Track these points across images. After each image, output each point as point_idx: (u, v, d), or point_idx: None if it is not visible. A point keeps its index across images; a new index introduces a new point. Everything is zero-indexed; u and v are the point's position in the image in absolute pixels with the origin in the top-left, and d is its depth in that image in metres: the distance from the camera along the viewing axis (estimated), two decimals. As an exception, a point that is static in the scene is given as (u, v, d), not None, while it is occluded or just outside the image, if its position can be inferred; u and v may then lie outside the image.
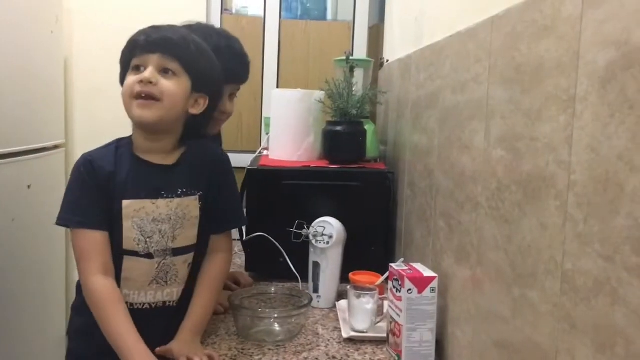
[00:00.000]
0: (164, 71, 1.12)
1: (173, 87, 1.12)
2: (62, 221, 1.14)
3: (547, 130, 0.73)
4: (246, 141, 2.58)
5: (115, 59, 1.15)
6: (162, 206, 1.16)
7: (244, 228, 1.62)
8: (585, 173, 0.64)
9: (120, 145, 1.18)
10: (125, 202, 1.13)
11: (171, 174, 1.18)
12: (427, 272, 1.14)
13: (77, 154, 2.41)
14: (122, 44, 1.15)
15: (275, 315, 1.28)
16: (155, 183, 1.16)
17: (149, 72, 1.10)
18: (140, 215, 1.14)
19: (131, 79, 1.11)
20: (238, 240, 1.67)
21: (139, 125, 1.16)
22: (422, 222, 1.36)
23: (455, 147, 1.12)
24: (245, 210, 1.61)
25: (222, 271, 1.25)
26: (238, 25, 2.58)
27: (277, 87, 2.56)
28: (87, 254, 1.11)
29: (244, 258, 1.66)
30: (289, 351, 1.20)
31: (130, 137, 1.19)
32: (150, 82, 1.09)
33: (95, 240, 1.11)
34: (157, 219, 1.15)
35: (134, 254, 1.15)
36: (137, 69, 1.12)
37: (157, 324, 1.18)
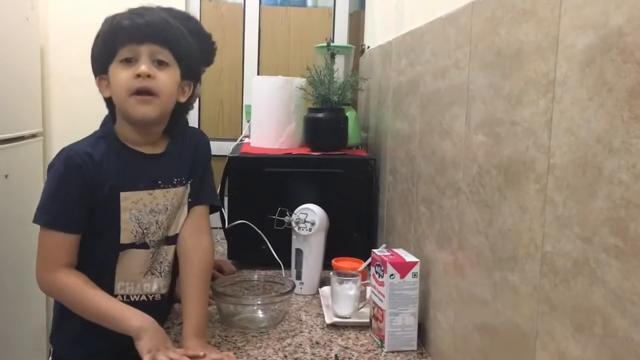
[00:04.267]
0: (158, 62, 1.08)
1: (169, 79, 1.09)
2: (36, 220, 1.08)
3: (526, 115, 0.74)
4: (227, 129, 2.56)
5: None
6: (159, 196, 1.14)
7: (225, 216, 1.61)
8: (564, 156, 0.64)
9: (104, 137, 1.13)
10: (123, 194, 1.10)
11: (164, 163, 1.16)
12: (409, 257, 1.15)
13: (55, 142, 2.41)
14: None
15: (259, 302, 1.28)
16: (151, 173, 1.14)
17: (146, 66, 1.05)
18: (138, 207, 1.12)
19: (125, 73, 1.06)
20: (220, 228, 1.66)
21: (138, 122, 1.11)
22: (404, 207, 1.37)
23: (436, 132, 1.12)
24: (226, 198, 1.61)
25: (208, 262, 1.21)
26: (217, 12, 2.55)
27: (258, 74, 2.54)
28: (55, 254, 1.08)
29: (226, 246, 1.65)
30: (272, 337, 1.20)
31: (110, 128, 1.15)
32: (149, 76, 1.05)
33: (68, 242, 1.08)
34: (155, 209, 1.14)
35: (131, 246, 1.13)
36: (128, 61, 1.06)
37: (153, 314, 1.18)
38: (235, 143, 1.90)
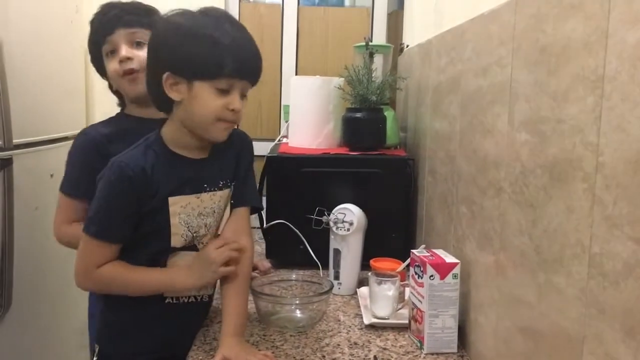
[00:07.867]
0: (241, 95, 1.11)
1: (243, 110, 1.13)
2: (86, 229, 1.10)
3: (574, 112, 0.72)
4: (265, 129, 2.58)
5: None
6: (206, 200, 1.15)
7: (264, 215, 1.62)
8: (614, 154, 0.62)
9: (152, 146, 1.13)
10: (171, 199, 1.11)
11: (209, 166, 1.17)
12: (449, 258, 1.13)
13: (98, 143, 2.45)
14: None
15: (297, 302, 1.28)
16: (197, 178, 1.15)
17: (240, 103, 1.10)
18: (187, 211, 1.13)
19: (219, 102, 1.07)
20: (258, 228, 1.67)
21: (212, 140, 1.14)
22: (444, 208, 1.35)
23: (478, 131, 1.10)
24: (265, 198, 1.62)
25: (248, 264, 1.21)
26: (256, 12, 2.57)
27: (296, 74, 2.55)
28: (97, 259, 1.10)
29: (264, 245, 1.66)
30: (310, 337, 1.20)
31: (158, 137, 1.14)
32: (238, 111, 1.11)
33: (112, 250, 1.11)
34: (203, 213, 1.15)
35: (181, 249, 1.15)
36: (224, 92, 1.07)
37: (198, 315, 1.22)
38: (273, 143, 1.91)
